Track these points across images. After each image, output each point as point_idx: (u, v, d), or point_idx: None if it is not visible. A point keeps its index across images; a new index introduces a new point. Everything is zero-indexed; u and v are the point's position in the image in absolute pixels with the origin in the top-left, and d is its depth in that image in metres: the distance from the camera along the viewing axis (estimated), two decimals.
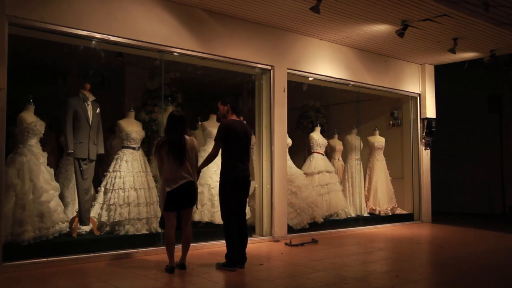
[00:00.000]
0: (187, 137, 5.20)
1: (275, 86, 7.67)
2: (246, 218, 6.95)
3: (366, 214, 9.52)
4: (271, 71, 7.67)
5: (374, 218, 9.53)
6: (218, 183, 5.59)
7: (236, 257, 5.29)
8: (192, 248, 6.43)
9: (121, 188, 6.45)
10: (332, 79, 8.72)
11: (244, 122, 5.72)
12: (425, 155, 10.30)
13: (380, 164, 9.99)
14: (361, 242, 7.50)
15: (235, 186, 5.36)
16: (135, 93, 8.64)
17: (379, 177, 9.90)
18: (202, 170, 5.65)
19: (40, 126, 6.10)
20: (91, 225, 6.27)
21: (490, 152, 11.90)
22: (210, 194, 7.18)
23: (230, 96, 5.66)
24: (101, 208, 6.47)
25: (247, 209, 7.55)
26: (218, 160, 5.60)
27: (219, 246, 6.38)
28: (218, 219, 7.02)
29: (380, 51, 9.28)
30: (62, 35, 5.76)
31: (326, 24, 7.56)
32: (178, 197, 5.08)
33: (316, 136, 9.27)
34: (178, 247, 5.36)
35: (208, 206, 7.15)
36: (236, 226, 5.36)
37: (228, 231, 5.34)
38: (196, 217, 7.03)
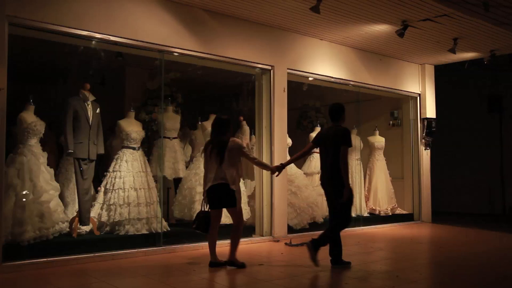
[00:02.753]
0: (231, 138, 5.36)
1: (275, 86, 7.67)
2: (250, 219, 6.91)
3: (366, 214, 9.52)
4: (271, 71, 7.67)
5: (374, 218, 9.53)
6: None
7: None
8: (193, 248, 6.47)
9: (121, 188, 6.46)
10: (332, 79, 8.72)
11: (339, 127, 6.00)
12: (425, 155, 10.30)
13: (380, 164, 9.99)
14: (361, 242, 7.50)
15: (322, 186, 5.71)
16: (135, 93, 8.64)
17: (379, 177, 9.90)
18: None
19: (40, 126, 6.10)
20: (91, 225, 6.27)
21: (490, 152, 11.89)
22: None
23: (340, 104, 6.09)
24: (101, 208, 6.48)
25: (247, 209, 7.56)
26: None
27: (219, 246, 6.35)
28: None
29: (380, 51, 9.28)
30: (62, 35, 5.76)
31: (326, 24, 7.56)
32: (213, 196, 5.25)
33: None
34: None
35: None
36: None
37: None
38: None
